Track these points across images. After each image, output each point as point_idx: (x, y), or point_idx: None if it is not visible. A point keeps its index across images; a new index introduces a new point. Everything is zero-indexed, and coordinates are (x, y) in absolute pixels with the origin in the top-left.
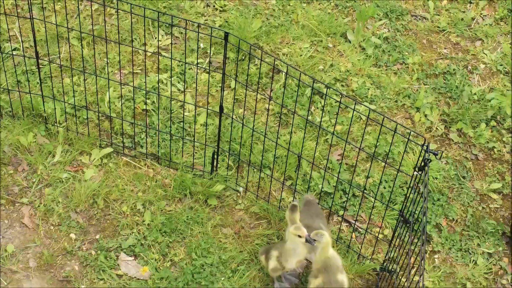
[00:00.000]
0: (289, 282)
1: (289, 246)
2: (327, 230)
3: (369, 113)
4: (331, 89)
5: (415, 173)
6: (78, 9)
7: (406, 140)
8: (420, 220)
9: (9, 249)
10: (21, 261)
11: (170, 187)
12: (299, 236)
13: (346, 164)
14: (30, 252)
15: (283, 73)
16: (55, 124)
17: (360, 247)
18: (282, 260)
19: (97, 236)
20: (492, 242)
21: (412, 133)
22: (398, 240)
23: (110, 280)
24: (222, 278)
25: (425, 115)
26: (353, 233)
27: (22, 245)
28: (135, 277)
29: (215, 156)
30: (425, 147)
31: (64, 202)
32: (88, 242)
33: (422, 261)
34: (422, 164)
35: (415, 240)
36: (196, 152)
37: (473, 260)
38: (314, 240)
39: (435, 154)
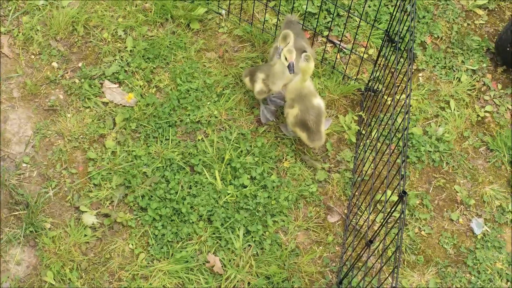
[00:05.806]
0: (275, 105)
1: (278, 69)
2: (309, 49)
3: None
4: None
5: None
6: None
7: None
8: (405, 39)
9: None
10: (4, 91)
11: (150, 11)
12: (286, 59)
13: None
14: (13, 82)
15: None
16: None
17: (345, 68)
18: (269, 82)
19: (80, 64)
20: (476, 59)
21: None
22: (383, 59)
23: (96, 108)
24: (208, 103)
25: None
26: (338, 54)
27: (4, 75)
28: (120, 104)
29: None
30: None
31: (43, 30)
32: (71, 70)
33: (409, 82)
34: None
35: (401, 60)
36: None
37: (457, 77)
38: (293, 70)
39: None
